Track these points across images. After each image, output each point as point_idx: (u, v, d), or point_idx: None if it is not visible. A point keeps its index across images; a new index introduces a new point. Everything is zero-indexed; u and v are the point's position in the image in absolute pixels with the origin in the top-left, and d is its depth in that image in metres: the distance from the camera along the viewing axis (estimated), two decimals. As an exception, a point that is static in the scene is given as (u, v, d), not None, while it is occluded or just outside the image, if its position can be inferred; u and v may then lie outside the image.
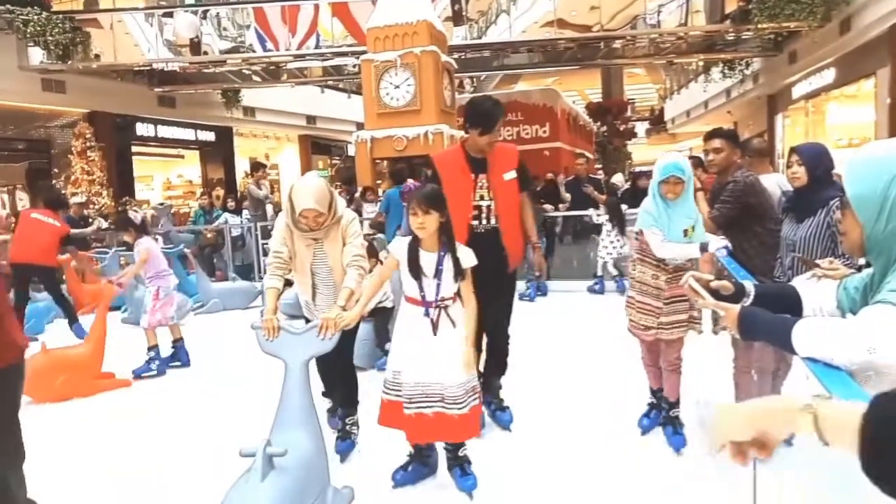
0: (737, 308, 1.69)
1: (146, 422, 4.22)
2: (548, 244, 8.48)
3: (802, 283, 1.88)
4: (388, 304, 4.99)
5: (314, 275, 3.24)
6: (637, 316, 3.33)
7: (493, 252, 3.47)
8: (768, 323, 1.60)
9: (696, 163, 6.50)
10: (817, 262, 2.13)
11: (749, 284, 1.88)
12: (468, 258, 2.81)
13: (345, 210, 3.24)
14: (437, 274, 2.75)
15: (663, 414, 3.46)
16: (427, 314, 2.80)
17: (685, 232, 3.16)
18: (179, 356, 5.48)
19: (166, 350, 5.42)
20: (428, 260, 2.76)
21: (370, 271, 3.42)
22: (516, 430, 3.67)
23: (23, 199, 12.93)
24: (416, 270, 2.76)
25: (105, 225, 9.95)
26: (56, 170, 13.22)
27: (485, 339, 3.67)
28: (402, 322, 2.91)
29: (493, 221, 3.53)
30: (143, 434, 3.99)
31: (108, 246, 7.42)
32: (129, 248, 5.93)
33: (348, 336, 3.22)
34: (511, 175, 3.58)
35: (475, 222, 3.51)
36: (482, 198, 3.53)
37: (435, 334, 2.79)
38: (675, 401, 3.41)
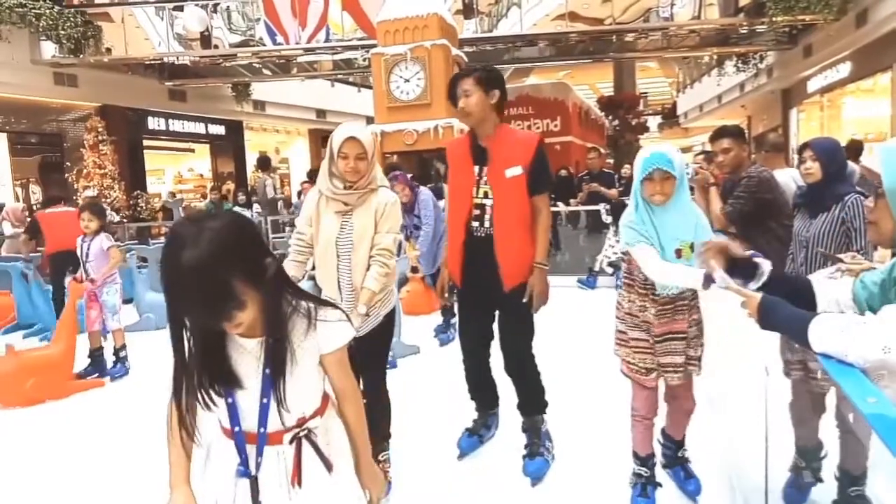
0: (758, 296, 1.68)
1: (132, 422, 3.97)
2: (555, 240, 8.44)
3: (820, 278, 1.85)
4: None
5: (339, 257, 2.74)
6: (634, 357, 2.61)
7: (491, 264, 2.92)
8: (788, 315, 1.60)
9: (710, 158, 6.44)
10: (840, 256, 2.11)
11: (765, 265, 1.83)
12: (334, 335, 1.46)
13: (384, 188, 2.80)
14: (269, 384, 1.37)
15: (665, 453, 2.87)
16: (246, 471, 1.41)
17: (678, 252, 2.41)
18: (100, 367, 5.21)
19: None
20: (247, 355, 1.39)
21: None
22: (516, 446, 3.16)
23: (36, 193, 13.05)
24: (225, 379, 1.37)
25: (117, 218, 10.04)
26: (68, 163, 13.32)
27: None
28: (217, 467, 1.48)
29: (492, 226, 2.93)
30: (131, 435, 3.76)
31: (120, 239, 7.47)
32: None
33: (374, 347, 2.83)
34: (515, 172, 2.86)
35: (475, 223, 2.96)
36: (486, 195, 2.92)
37: (298, 486, 1.42)
38: (680, 440, 2.84)
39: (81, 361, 5.00)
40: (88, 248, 5.04)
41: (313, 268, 2.92)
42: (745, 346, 2.71)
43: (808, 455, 2.63)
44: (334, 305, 1.51)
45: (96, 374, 5.08)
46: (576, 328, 5.62)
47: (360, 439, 1.57)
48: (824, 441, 2.60)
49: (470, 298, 3.14)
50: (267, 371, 1.37)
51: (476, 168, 2.96)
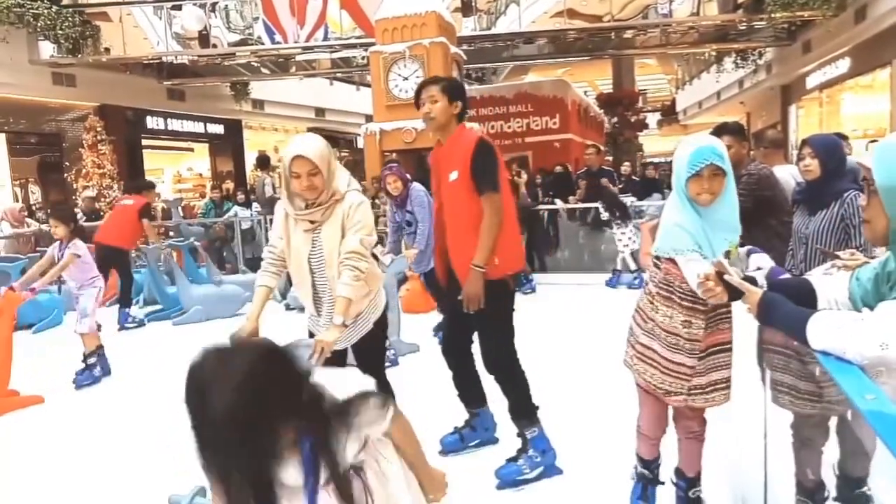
0: (759, 292, 1.68)
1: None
2: (555, 238, 8.45)
3: (817, 277, 1.85)
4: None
5: (313, 274, 2.67)
6: (659, 377, 2.30)
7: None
8: (787, 313, 1.60)
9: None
10: (838, 253, 2.11)
11: (761, 277, 1.85)
12: (377, 423, 1.40)
13: (351, 192, 2.69)
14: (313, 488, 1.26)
15: (679, 494, 2.52)
16: None
17: (727, 254, 2.17)
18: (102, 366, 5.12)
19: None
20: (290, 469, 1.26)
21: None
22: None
23: (35, 193, 13.04)
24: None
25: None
26: (67, 163, 13.31)
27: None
28: None
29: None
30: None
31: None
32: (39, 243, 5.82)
33: (366, 356, 2.81)
34: (453, 176, 2.90)
35: None
36: None
37: None
38: (695, 476, 2.48)
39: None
40: (62, 255, 4.86)
41: None
42: (746, 344, 2.68)
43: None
44: (368, 395, 1.37)
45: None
46: (582, 327, 5.64)
47: (417, 460, 1.62)
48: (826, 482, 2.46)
49: (450, 296, 3.17)
50: (311, 481, 1.24)
51: None
